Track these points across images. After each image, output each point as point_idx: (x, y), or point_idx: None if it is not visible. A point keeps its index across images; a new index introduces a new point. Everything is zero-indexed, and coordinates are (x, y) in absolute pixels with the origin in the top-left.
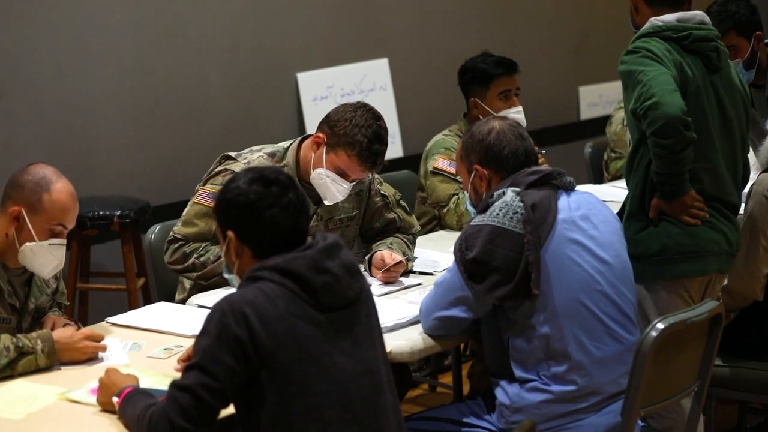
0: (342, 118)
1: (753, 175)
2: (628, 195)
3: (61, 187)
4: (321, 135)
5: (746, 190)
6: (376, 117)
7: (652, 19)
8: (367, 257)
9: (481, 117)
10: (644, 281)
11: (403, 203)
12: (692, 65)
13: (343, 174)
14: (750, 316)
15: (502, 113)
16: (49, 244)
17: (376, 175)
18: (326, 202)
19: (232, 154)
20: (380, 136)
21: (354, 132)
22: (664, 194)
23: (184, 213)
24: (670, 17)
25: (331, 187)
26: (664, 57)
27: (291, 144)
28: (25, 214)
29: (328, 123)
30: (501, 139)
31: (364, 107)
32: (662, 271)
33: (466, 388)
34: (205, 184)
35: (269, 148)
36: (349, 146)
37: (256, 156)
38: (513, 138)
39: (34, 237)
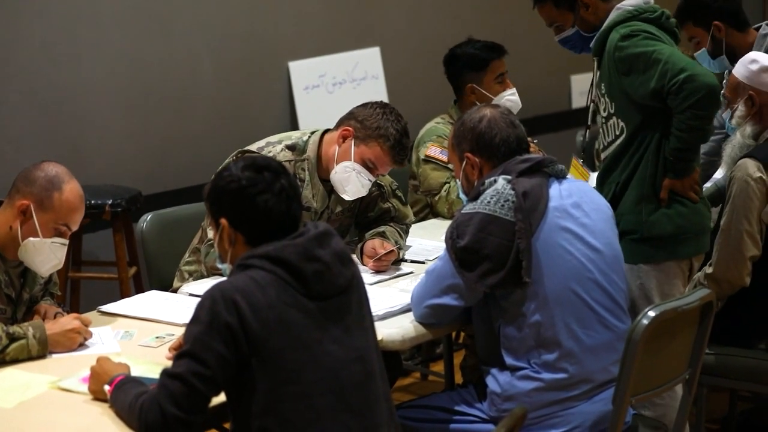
0: (371, 113)
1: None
2: (614, 182)
3: (72, 188)
4: (349, 128)
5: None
6: (401, 116)
7: (618, 6)
8: (359, 246)
9: (477, 102)
10: (654, 262)
11: (398, 193)
12: (671, 43)
13: (370, 168)
14: (736, 303)
15: (499, 96)
16: (52, 242)
17: None
18: (347, 197)
19: (252, 148)
20: (408, 132)
21: (387, 125)
22: (680, 172)
23: None
24: (634, 1)
25: (356, 180)
26: (662, 36)
27: (311, 137)
28: (33, 209)
29: (355, 118)
30: (492, 126)
31: (388, 106)
32: (675, 252)
33: (457, 377)
34: None
35: (287, 140)
36: (382, 138)
37: (279, 149)
38: (504, 126)
39: (39, 233)
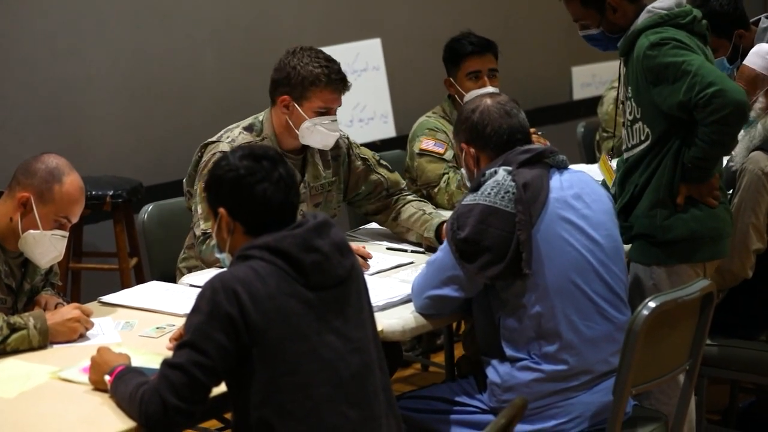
0: (289, 70)
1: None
2: (633, 184)
3: (72, 180)
4: (285, 97)
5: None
6: (311, 48)
7: (649, 7)
8: (432, 234)
9: (456, 96)
10: (668, 265)
11: (383, 162)
12: (703, 48)
13: (326, 112)
14: (738, 294)
15: (469, 94)
16: (52, 235)
17: (352, 140)
18: (327, 147)
19: (212, 139)
20: (329, 57)
21: (308, 70)
22: (698, 178)
23: (199, 211)
24: (666, 3)
25: (324, 129)
26: (693, 45)
27: (264, 116)
28: (33, 201)
29: (280, 83)
30: (484, 117)
31: (294, 50)
32: (690, 256)
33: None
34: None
35: (243, 123)
36: (314, 84)
37: (237, 133)
38: (497, 116)
39: (39, 225)
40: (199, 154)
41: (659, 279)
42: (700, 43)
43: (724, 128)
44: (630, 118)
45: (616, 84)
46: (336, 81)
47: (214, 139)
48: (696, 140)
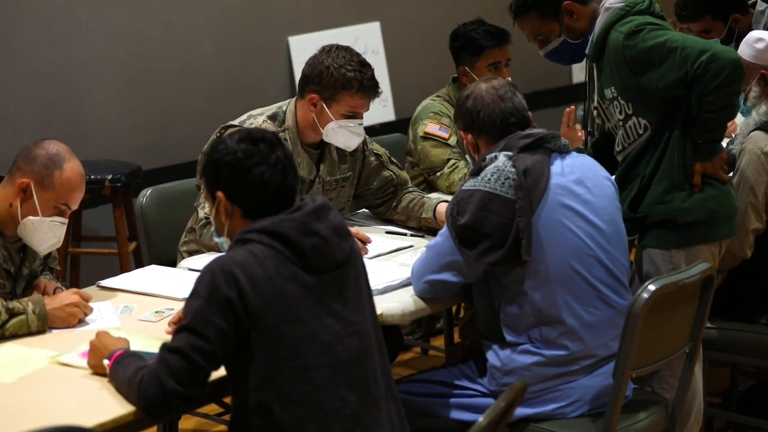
0: (322, 69)
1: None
2: (639, 175)
3: (73, 167)
4: (314, 95)
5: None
6: (347, 48)
7: (606, 6)
8: (431, 214)
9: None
10: (686, 247)
11: (394, 160)
12: (671, 27)
13: (352, 115)
14: (738, 277)
15: None
16: (51, 222)
17: (366, 136)
18: (350, 149)
19: (234, 122)
20: (363, 62)
21: (342, 72)
22: (709, 153)
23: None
24: None
25: (349, 132)
26: (661, 23)
27: (288, 106)
28: (33, 187)
29: (311, 81)
30: (477, 104)
31: (331, 48)
32: (707, 236)
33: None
34: None
35: (268, 111)
36: (346, 88)
37: (260, 121)
38: (489, 101)
39: (38, 212)
40: (218, 134)
41: (679, 262)
42: (665, 23)
43: (728, 89)
44: (621, 117)
45: None
46: (368, 87)
47: (236, 122)
48: (701, 114)
